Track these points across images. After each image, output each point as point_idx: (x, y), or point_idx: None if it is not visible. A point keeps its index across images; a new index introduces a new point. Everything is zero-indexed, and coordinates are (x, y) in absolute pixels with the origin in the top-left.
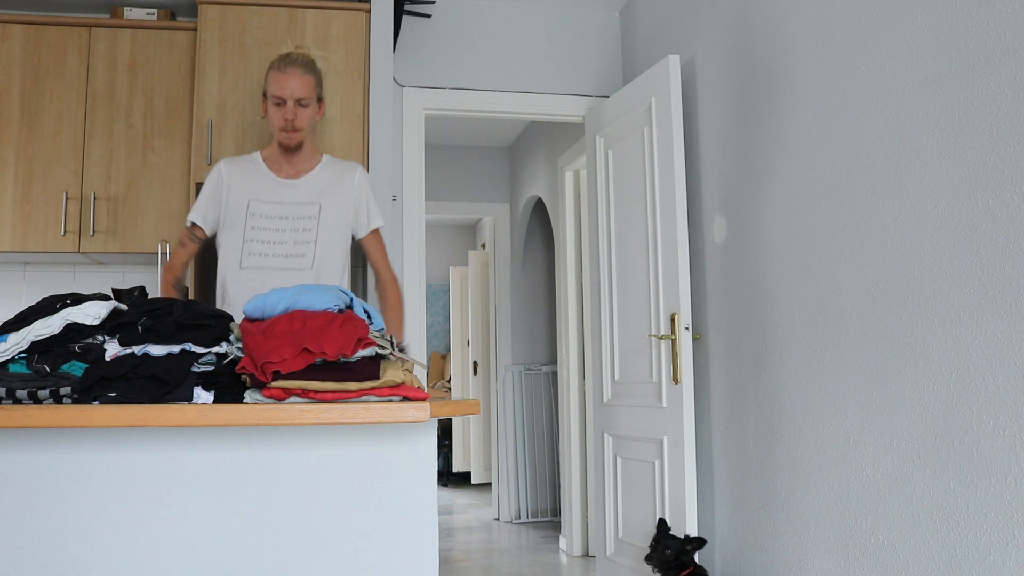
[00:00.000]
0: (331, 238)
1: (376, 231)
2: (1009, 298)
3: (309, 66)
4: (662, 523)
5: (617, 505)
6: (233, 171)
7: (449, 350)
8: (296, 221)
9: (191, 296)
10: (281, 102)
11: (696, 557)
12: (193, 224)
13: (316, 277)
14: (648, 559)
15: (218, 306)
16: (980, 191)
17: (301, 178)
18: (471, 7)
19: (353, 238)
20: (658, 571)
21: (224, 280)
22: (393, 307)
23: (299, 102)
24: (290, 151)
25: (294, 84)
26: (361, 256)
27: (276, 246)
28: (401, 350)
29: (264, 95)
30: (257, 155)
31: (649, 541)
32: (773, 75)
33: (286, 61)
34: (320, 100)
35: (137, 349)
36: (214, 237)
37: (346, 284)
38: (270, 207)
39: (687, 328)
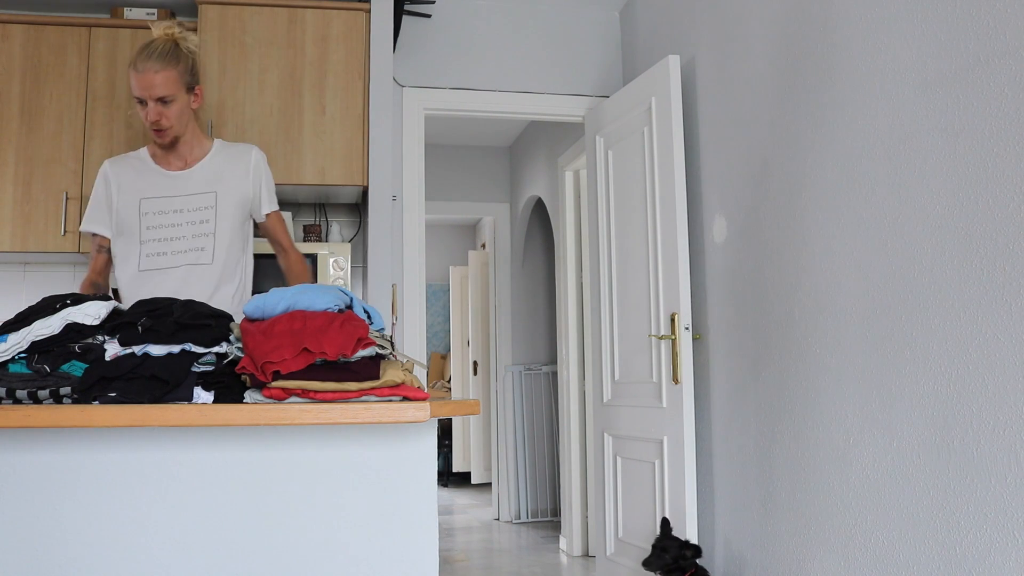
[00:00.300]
0: (231, 227)
1: (276, 214)
2: (1009, 298)
3: (168, 58)
4: (665, 522)
5: (617, 505)
6: (119, 171)
7: (449, 350)
8: (192, 213)
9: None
10: (141, 102)
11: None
12: (93, 234)
13: (220, 271)
14: (647, 564)
15: None
16: (980, 191)
17: (192, 167)
18: (471, 7)
19: (255, 221)
20: (659, 573)
21: (121, 287)
22: (298, 277)
23: (161, 100)
24: (172, 147)
25: (151, 82)
26: (361, 255)
27: (174, 242)
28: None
29: (129, 89)
30: (144, 151)
31: (651, 540)
32: (773, 75)
33: (142, 56)
34: (192, 88)
35: (137, 349)
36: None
37: (248, 273)
38: (163, 202)
39: (687, 328)
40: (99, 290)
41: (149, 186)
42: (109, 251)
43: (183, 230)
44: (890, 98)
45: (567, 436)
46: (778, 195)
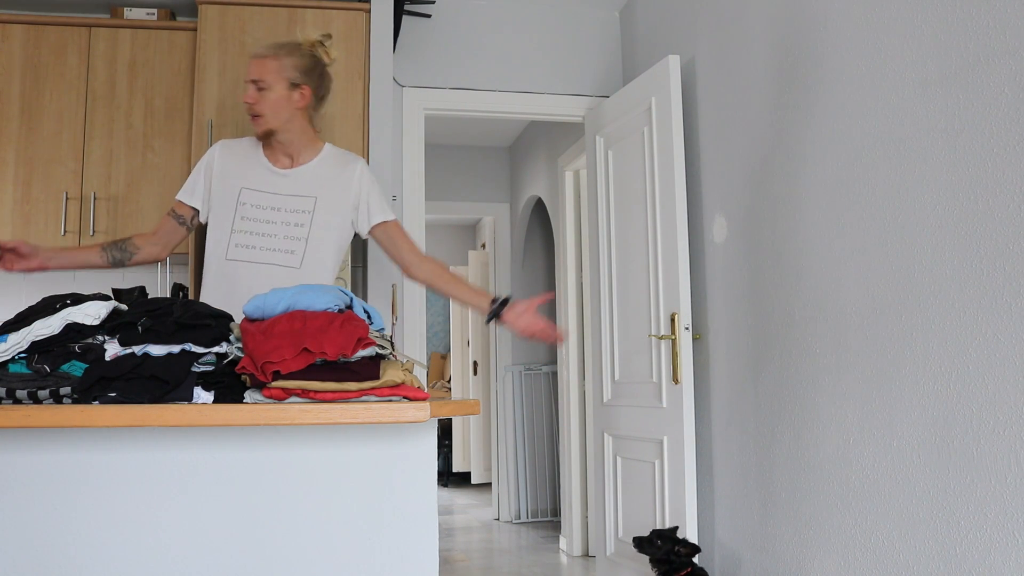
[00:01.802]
0: (324, 236)
1: (391, 223)
2: (1009, 298)
3: (280, 48)
4: (674, 529)
5: (617, 505)
6: (227, 155)
7: (449, 350)
8: (288, 215)
9: (189, 289)
10: (246, 84)
11: (696, 559)
12: (178, 201)
13: (305, 278)
14: (637, 542)
15: (202, 295)
16: (980, 191)
17: (297, 168)
18: (471, 7)
19: (359, 236)
20: (654, 569)
21: (209, 267)
22: (442, 267)
23: (256, 84)
24: (267, 139)
25: (252, 64)
26: (361, 255)
27: (265, 239)
28: (504, 301)
29: None
30: (258, 141)
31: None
32: (773, 75)
33: (265, 45)
34: (297, 85)
35: (137, 349)
36: (205, 223)
37: (337, 285)
38: (262, 197)
39: (687, 328)
40: (114, 250)
41: (253, 177)
42: (179, 221)
43: (276, 228)
44: (890, 98)
45: (567, 436)
46: (778, 195)
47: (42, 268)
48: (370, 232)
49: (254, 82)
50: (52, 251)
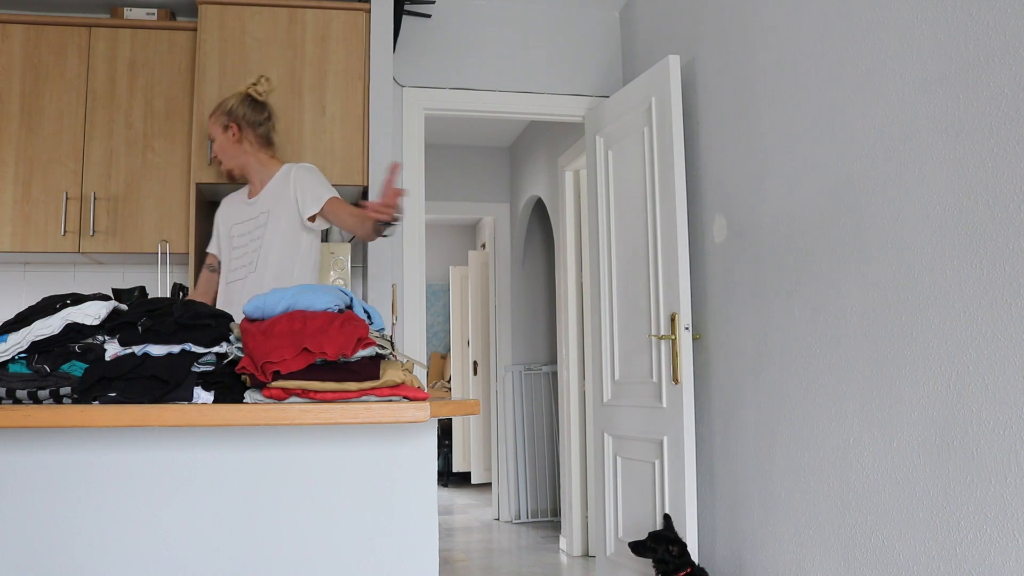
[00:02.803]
0: (281, 240)
1: (330, 200)
2: (1009, 298)
3: (215, 107)
4: (667, 518)
5: (617, 505)
6: (227, 202)
7: (449, 350)
8: (253, 232)
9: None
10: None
11: (696, 559)
12: (209, 253)
13: (260, 276)
14: (633, 547)
15: None
16: (980, 191)
17: (260, 193)
18: (471, 7)
19: (323, 225)
20: (656, 570)
21: (219, 298)
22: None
23: (211, 141)
24: (237, 179)
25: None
26: (361, 255)
27: (239, 260)
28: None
29: None
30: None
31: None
32: (773, 75)
33: None
34: (227, 127)
35: (137, 349)
36: None
37: (303, 277)
38: (238, 227)
39: (687, 328)
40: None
41: (235, 213)
42: (211, 270)
43: (245, 249)
44: (890, 98)
45: (567, 436)
46: (778, 195)
47: None
48: (318, 217)
49: (210, 140)
50: None
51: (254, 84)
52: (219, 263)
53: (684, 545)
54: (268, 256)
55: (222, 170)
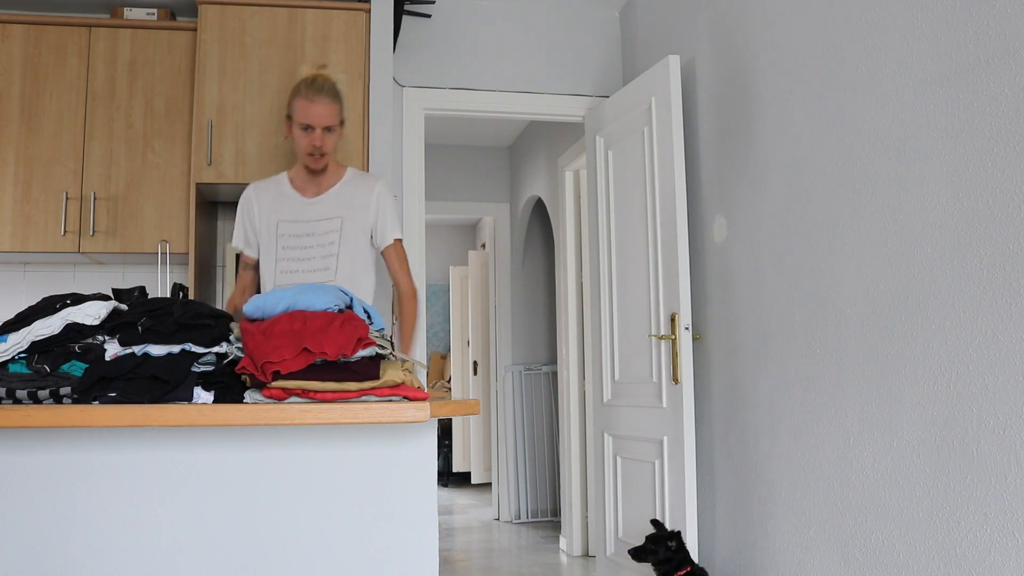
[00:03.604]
0: (353, 250)
1: (395, 243)
2: (1009, 298)
3: (334, 93)
4: (656, 524)
5: (617, 505)
6: (261, 195)
7: (449, 350)
8: (321, 236)
9: (189, 289)
10: (309, 128)
11: (696, 559)
12: (244, 254)
13: (338, 282)
14: (633, 553)
15: None
16: (980, 191)
17: (323, 194)
18: (471, 7)
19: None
20: (656, 571)
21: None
22: (406, 319)
23: (326, 129)
24: (316, 172)
25: (321, 112)
26: None
27: (305, 262)
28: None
29: (288, 117)
30: (283, 176)
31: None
32: (774, 75)
33: (313, 88)
34: (342, 122)
35: (137, 349)
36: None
37: (368, 292)
38: (297, 226)
39: (687, 328)
40: (239, 314)
41: (286, 210)
42: (254, 268)
43: (313, 251)
44: (890, 98)
45: (567, 436)
46: (778, 195)
47: None
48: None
49: (326, 128)
50: None
51: (323, 69)
52: (256, 263)
53: (679, 534)
54: (345, 268)
55: (319, 164)
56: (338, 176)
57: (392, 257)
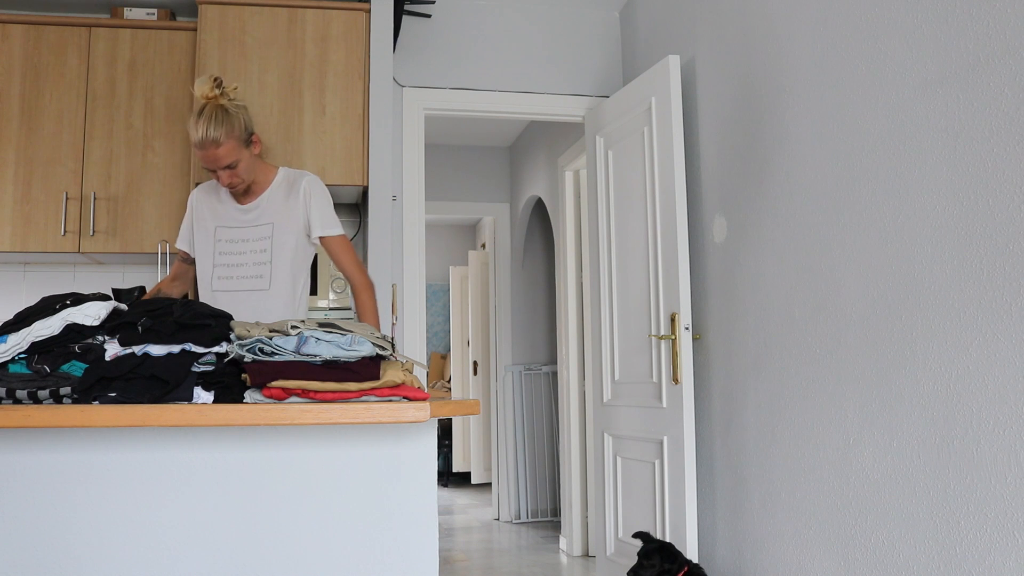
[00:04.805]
0: (284, 256)
1: (334, 238)
2: (1009, 298)
3: (226, 126)
4: (642, 536)
5: (617, 505)
6: (202, 199)
7: (449, 350)
8: (254, 243)
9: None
10: (213, 170)
11: (696, 559)
12: (179, 249)
13: (276, 294)
14: (631, 572)
15: None
16: (980, 191)
17: (257, 199)
18: (471, 7)
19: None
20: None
21: (201, 297)
22: (365, 314)
23: (228, 167)
24: (244, 194)
25: (216, 155)
26: (361, 255)
27: (239, 268)
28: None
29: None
30: None
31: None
32: (773, 75)
33: (199, 131)
34: (249, 142)
35: (137, 349)
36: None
37: (303, 296)
38: (233, 232)
39: (687, 328)
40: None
41: (224, 216)
42: (187, 262)
43: (246, 258)
44: (890, 98)
45: (567, 436)
46: (778, 195)
47: None
48: (320, 242)
49: (228, 167)
50: None
51: (225, 89)
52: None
53: (671, 545)
54: (278, 275)
55: (239, 191)
56: (268, 181)
57: (335, 251)
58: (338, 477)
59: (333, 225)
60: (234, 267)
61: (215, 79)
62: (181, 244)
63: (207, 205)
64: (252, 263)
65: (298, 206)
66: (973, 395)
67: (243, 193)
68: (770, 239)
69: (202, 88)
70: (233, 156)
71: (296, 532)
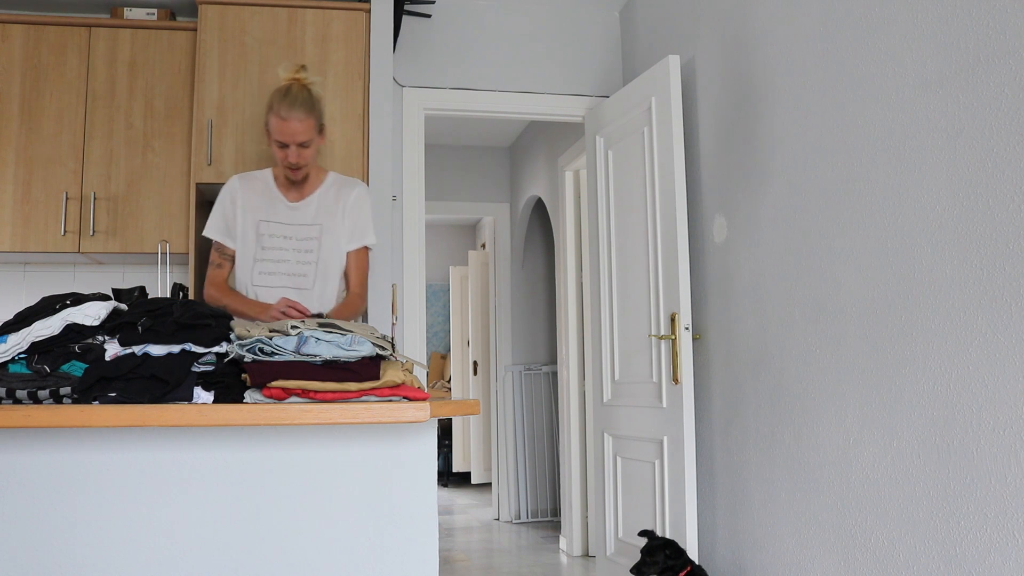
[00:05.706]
0: (330, 260)
1: (360, 249)
2: (1009, 298)
3: (310, 106)
4: (643, 533)
5: (617, 505)
6: (246, 189)
7: (449, 350)
8: (300, 242)
9: (189, 289)
10: (284, 145)
11: (696, 559)
12: (220, 244)
13: (318, 296)
14: (635, 572)
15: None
16: (980, 191)
17: (305, 199)
18: (471, 7)
19: None
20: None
21: (241, 291)
22: (342, 310)
23: (301, 145)
24: (298, 182)
25: (295, 129)
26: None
27: (282, 264)
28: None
29: (267, 126)
30: (269, 173)
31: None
32: (773, 75)
33: (286, 103)
34: (322, 131)
35: (137, 349)
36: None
37: (341, 300)
38: (278, 227)
39: (687, 328)
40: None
41: (269, 210)
42: (232, 262)
43: (290, 255)
44: (890, 98)
45: (567, 436)
46: (778, 195)
47: None
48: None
49: (301, 144)
50: None
51: (304, 70)
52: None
53: (675, 543)
54: (322, 276)
55: (298, 176)
56: (319, 181)
57: (352, 261)
58: (338, 477)
59: (364, 237)
60: (277, 263)
61: (301, 65)
62: (216, 234)
63: (251, 195)
64: (296, 261)
65: (347, 213)
66: (973, 395)
67: (299, 182)
68: (770, 239)
69: (288, 71)
70: (309, 135)
71: (296, 532)
